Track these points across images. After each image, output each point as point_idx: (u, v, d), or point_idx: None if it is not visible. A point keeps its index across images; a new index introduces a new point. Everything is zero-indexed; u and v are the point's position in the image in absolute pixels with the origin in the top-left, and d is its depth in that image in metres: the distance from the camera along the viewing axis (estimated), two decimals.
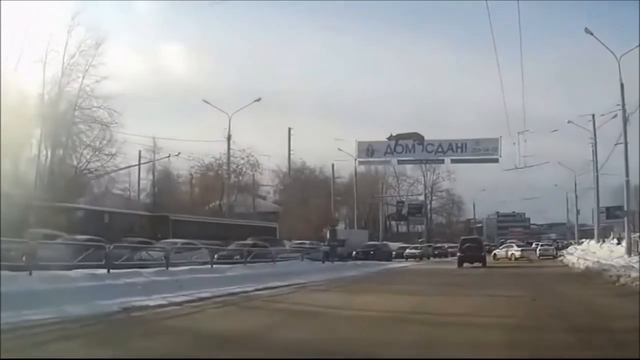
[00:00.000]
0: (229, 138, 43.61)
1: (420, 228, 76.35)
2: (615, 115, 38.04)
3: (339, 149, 44.51)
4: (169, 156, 41.72)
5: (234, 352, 6.04)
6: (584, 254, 31.66)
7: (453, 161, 43.65)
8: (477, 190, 71.43)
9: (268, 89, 77.55)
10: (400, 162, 44.95)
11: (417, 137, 42.84)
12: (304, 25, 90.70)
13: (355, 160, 44.53)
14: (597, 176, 39.90)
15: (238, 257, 21.56)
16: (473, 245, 29.26)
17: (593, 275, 19.09)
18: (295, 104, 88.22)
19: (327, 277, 20.42)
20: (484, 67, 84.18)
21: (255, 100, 41.75)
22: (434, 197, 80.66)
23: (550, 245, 43.93)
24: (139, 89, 77.29)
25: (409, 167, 76.07)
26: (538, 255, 41.86)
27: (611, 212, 68.83)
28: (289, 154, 46.15)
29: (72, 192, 32.10)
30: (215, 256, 19.91)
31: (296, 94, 79.57)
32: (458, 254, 29.15)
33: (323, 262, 27.78)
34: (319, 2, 75.35)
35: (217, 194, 51.66)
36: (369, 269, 27.57)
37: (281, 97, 77.67)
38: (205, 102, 40.81)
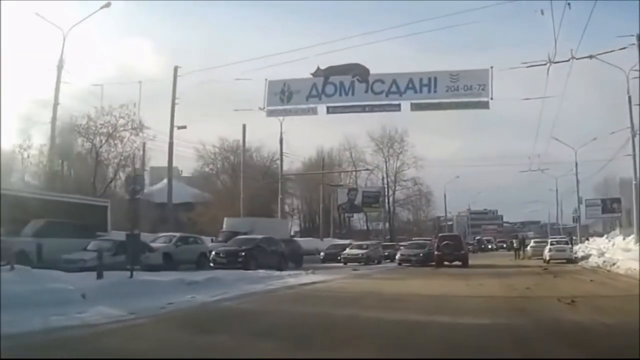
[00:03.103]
0: (59, 67, 27.05)
1: (382, 225, 62.24)
2: None
3: (260, 108, 28.21)
4: None
5: None
6: None
7: (414, 107, 26.57)
8: (448, 178, 62.55)
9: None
10: (331, 110, 27.87)
11: (359, 71, 26.45)
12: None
13: (264, 109, 27.94)
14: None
15: None
16: (452, 243, 26.45)
17: None
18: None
19: None
20: None
21: (102, 7, 27.51)
22: (398, 187, 66.27)
23: (567, 244, 28.82)
24: None
25: (367, 152, 63.96)
26: (548, 258, 27.19)
27: (608, 206, 56.56)
28: (173, 102, 29.37)
29: None
30: None
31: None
32: (436, 252, 26.57)
33: (99, 277, 11.58)
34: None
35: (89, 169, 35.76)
36: (201, 296, 11.02)
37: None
38: (38, 15, 27.24)
